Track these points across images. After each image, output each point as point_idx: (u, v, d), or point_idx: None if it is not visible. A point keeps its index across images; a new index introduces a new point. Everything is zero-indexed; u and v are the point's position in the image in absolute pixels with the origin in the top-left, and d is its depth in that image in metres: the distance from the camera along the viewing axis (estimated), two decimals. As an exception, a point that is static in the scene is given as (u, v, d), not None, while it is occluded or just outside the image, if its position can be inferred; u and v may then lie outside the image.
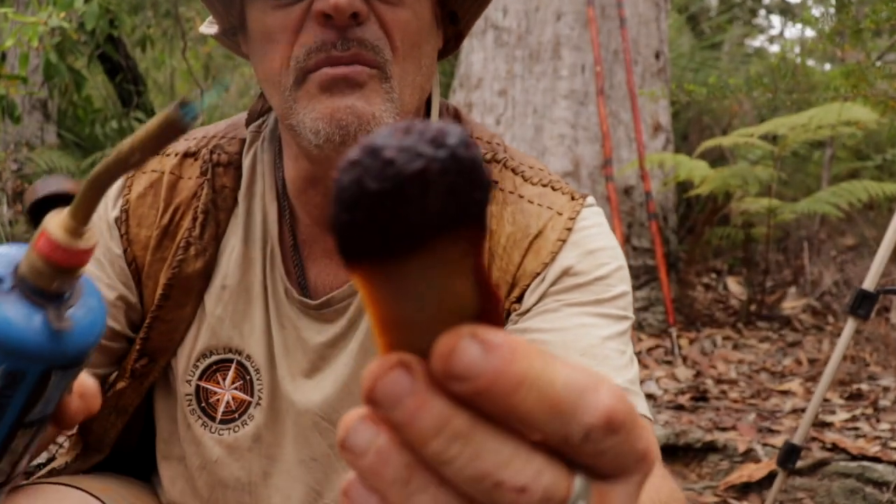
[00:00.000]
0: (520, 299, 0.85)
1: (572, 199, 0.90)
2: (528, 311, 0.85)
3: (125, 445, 0.97)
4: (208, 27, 0.94)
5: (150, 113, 5.21)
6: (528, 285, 0.85)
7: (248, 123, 0.95)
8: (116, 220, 0.92)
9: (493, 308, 0.30)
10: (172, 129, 0.37)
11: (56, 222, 0.44)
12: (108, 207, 0.93)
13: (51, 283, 0.46)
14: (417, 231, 0.26)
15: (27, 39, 2.63)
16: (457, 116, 0.96)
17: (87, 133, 4.95)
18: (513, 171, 0.91)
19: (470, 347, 0.28)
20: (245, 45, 0.90)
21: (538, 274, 0.85)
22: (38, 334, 0.46)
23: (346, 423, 0.30)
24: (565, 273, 0.85)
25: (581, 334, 0.82)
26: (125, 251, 0.91)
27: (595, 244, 0.87)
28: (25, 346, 0.46)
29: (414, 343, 0.29)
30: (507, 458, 0.28)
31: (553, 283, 0.85)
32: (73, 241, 0.44)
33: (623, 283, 0.88)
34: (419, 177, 0.25)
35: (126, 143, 0.39)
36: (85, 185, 0.43)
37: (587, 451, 0.29)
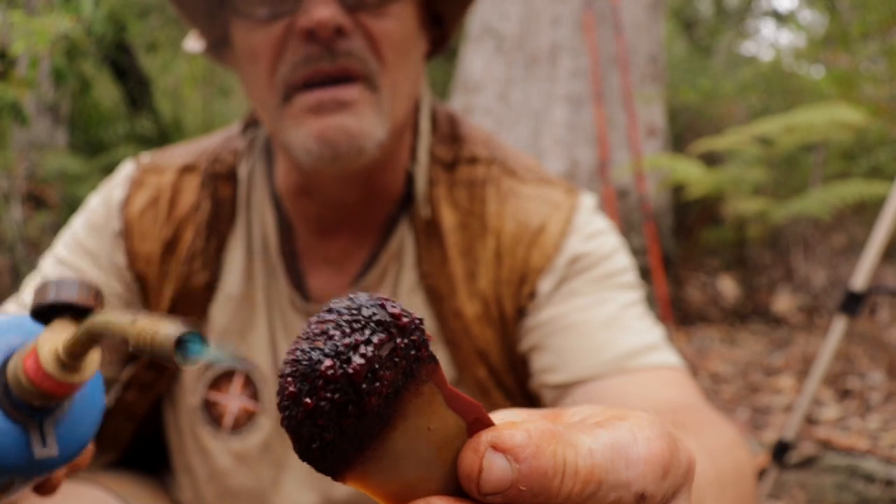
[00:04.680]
0: (532, 294, 0.87)
1: (567, 192, 0.92)
2: (545, 301, 0.86)
3: (138, 446, 0.97)
4: (195, 43, 0.93)
5: (157, 116, 5.21)
6: (538, 279, 0.87)
7: (243, 133, 0.95)
8: (119, 233, 0.92)
9: (479, 416, 0.30)
10: (162, 353, 0.34)
11: (49, 349, 0.40)
12: (110, 219, 0.93)
13: (34, 401, 0.41)
14: (379, 412, 0.28)
15: (37, 45, 2.66)
16: (452, 119, 0.96)
17: (96, 136, 4.97)
18: (510, 171, 0.92)
19: (496, 460, 0.28)
20: (232, 60, 0.89)
21: (545, 267, 0.87)
22: (7, 454, 0.41)
23: None
24: (574, 260, 0.87)
25: (601, 308, 0.84)
26: (129, 265, 0.91)
27: (593, 228, 0.90)
28: None
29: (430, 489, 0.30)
30: None
31: (564, 273, 0.87)
32: (62, 374, 0.40)
33: (625, 258, 0.91)
34: (366, 368, 0.27)
35: (129, 326, 0.36)
36: (82, 330, 0.39)
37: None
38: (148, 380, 0.91)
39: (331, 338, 0.28)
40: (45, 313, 0.41)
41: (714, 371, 3.37)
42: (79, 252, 0.93)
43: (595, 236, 0.89)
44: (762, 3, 8.75)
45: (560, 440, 0.29)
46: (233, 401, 0.91)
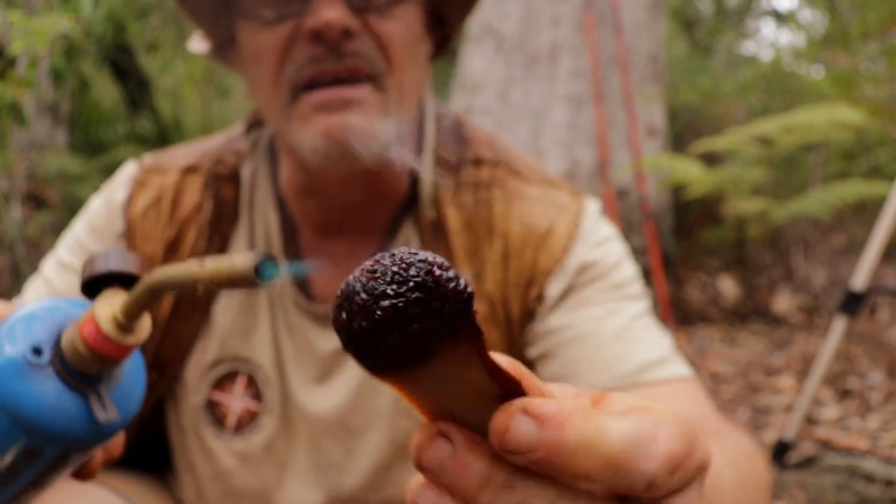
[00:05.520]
0: (540, 297, 0.88)
1: (573, 194, 0.93)
2: (554, 306, 0.87)
3: (140, 447, 0.97)
4: (199, 44, 0.93)
5: (157, 116, 5.20)
6: (546, 282, 0.87)
7: (246, 133, 0.95)
8: (122, 233, 0.92)
9: (513, 389, 0.32)
10: (243, 281, 0.36)
11: (106, 313, 0.42)
12: (112, 220, 0.93)
13: (91, 367, 0.43)
14: (411, 349, 0.31)
15: (35, 44, 2.66)
16: (457, 122, 0.96)
17: (95, 136, 4.97)
18: (515, 173, 0.92)
19: (523, 423, 0.30)
20: (237, 61, 0.89)
21: (553, 270, 0.87)
22: (69, 421, 0.43)
23: (411, 489, 0.33)
24: (583, 268, 0.88)
25: (611, 320, 0.85)
26: None
27: (601, 235, 0.91)
28: (52, 431, 0.43)
29: (457, 420, 0.33)
30: (553, 498, 0.31)
31: (573, 279, 0.87)
32: (120, 335, 0.42)
33: (631, 266, 0.92)
34: (390, 315, 0.30)
35: (197, 268, 0.38)
36: (143, 286, 0.41)
37: (651, 494, 0.31)
38: (150, 380, 0.91)
39: (374, 278, 0.31)
40: (94, 284, 0.43)
41: (714, 371, 3.37)
42: (80, 254, 0.93)
43: (603, 243, 0.90)
44: (762, 2, 8.75)
45: (588, 420, 0.30)
46: (236, 401, 0.91)
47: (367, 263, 0.31)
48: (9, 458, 0.44)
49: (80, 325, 0.42)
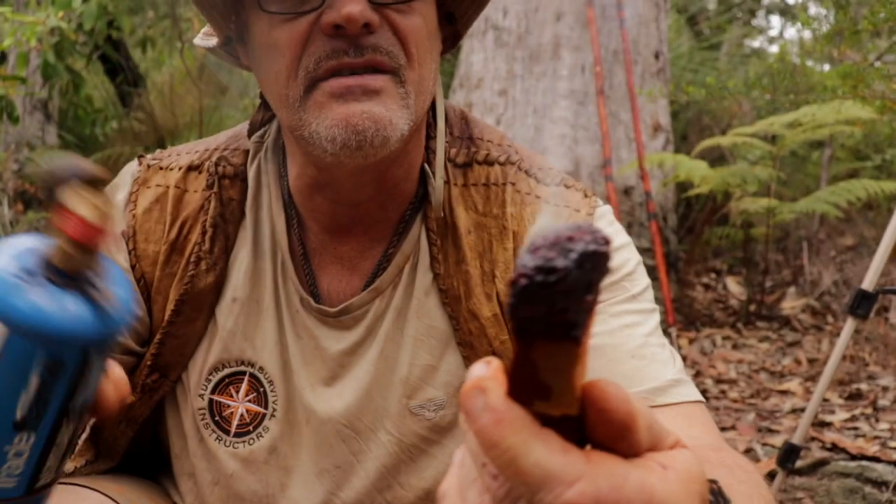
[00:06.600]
0: None
1: (585, 196, 0.92)
2: None
3: (136, 452, 0.97)
4: (204, 40, 0.92)
5: (150, 114, 5.19)
6: None
7: (250, 134, 0.94)
8: (123, 234, 0.91)
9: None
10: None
11: (80, 203, 0.46)
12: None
13: (81, 264, 0.47)
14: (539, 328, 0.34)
15: (26, 39, 2.63)
16: (464, 119, 0.95)
17: (87, 133, 4.95)
18: (528, 173, 0.91)
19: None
20: (246, 56, 0.88)
21: None
22: (77, 319, 0.47)
23: (470, 385, 0.36)
24: None
25: (627, 336, 0.84)
26: (133, 267, 0.90)
27: (617, 242, 0.89)
28: (61, 331, 0.46)
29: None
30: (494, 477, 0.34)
31: None
32: (98, 218, 0.46)
33: (645, 276, 0.90)
34: (512, 293, 0.33)
35: None
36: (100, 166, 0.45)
37: None
38: (152, 381, 0.91)
39: (525, 272, 0.33)
40: (55, 188, 0.46)
41: (720, 374, 3.32)
42: None
43: (618, 251, 0.89)
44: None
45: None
46: (239, 404, 0.91)
47: (541, 256, 0.33)
48: (35, 380, 0.47)
49: (59, 227, 0.46)
